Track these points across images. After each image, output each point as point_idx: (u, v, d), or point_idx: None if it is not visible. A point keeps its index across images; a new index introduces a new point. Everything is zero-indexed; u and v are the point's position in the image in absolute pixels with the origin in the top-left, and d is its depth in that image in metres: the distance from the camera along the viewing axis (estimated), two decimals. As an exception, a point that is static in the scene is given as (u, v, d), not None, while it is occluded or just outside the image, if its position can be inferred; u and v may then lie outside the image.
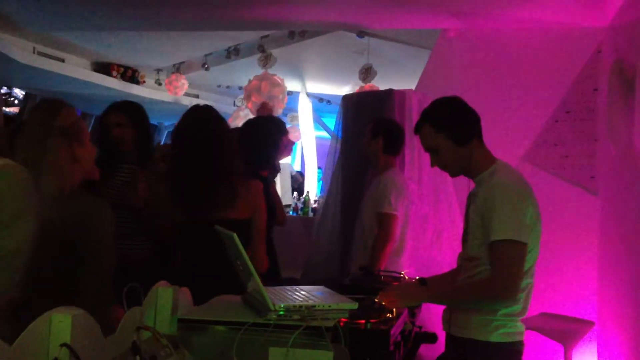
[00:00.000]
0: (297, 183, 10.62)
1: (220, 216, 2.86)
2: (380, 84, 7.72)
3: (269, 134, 4.20)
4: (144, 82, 10.44)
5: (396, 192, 4.05)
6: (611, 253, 4.37)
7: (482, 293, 2.46)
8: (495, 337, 2.44)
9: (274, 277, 3.73)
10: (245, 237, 2.90)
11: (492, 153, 2.60)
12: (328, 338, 1.84)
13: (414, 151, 4.58)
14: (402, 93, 4.81)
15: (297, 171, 11.79)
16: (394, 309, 2.39)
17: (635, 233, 3.80)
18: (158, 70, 10.19)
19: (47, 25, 7.20)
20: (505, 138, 4.50)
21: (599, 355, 4.45)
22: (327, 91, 11.05)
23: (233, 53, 8.54)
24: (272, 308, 1.95)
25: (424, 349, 2.86)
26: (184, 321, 1.97)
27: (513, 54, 4.98)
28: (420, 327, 2.85)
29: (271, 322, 1.91)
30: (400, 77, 7.83)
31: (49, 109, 2.37)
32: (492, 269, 2.39)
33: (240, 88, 10.43)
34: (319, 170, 10.23)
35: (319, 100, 11.59)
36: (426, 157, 2.79)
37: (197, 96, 11.26)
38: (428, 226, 4.59)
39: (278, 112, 8.20)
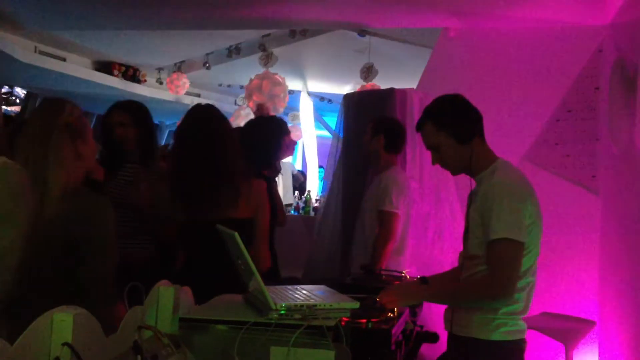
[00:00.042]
0: (299, 182, 10.62)
1: (221, 215, 2.85)
2: (382, 83, 7.72)
3: (270, 134, 4.20)
4: (145, 81, 10.45)
5: (397, 190, 4.04)
6: (612, 252, 4.37)
7: (479, 292, 2.46)
8: (496, 336, 2.44)
9: (273, 277, 3.73)
10: (248, 236, 2.90)
11: (493, 152, 2.60)
12: (329, 337, 1.84)
13: (416, 150, 4.58)
14: (403, 92, 4.80)
15: (299, 170, 11.79)
16: (395, 309, 2.39)
17: (636, 232, 3.80)
18: (159, 69, 10.20)
19: (48, 24, 7.21)
20: (506, 137, 4.49)
21: (600, 354, 4.45)
22: (328, 90, 11.05)
23: (234, 52, 8.55)
24: (274, 307, 1.95)
25: (425, 348, 2.86)
26: (185, 320, 1.97)
27: (514, 53, 4.98)
28: (421, 327, 2.84)
29: (272, 321, 1.91)
30: (401, 76, 7.82)
31: (53, 106, 2.37)
32: (489, 268, 2.40)
33: (241, 87, 10.44)
34: (321, 169, 10.23)
35: (320, 99, 11.59)
36: (427, 156, 2.78)
37: (198, 95, 11.27)
38: (429, 225, 4.59)
39: (279, 111, 8.20)
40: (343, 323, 2.01)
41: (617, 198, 4.28)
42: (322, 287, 2.37)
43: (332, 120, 9.50)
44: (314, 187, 10.21)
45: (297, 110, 11.22)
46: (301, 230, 6.51)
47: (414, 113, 4.58)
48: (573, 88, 4.78)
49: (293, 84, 9.80)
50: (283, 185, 7.88)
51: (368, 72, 7.91)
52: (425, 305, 3.05)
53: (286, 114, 11.08)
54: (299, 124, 11.20)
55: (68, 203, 2.24)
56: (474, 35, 5.14)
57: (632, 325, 3.81)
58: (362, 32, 7.00)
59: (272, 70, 8.29)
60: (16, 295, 2.00)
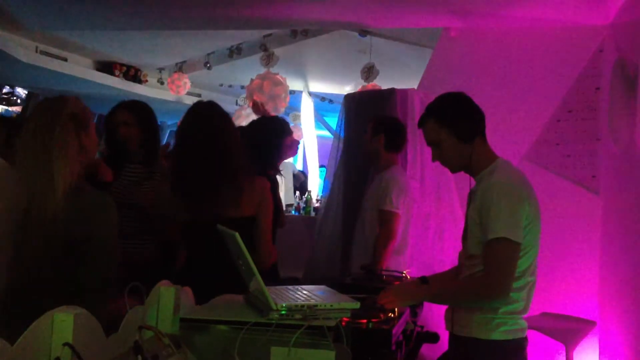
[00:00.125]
0: (299, 182, 10.62)
1: (222, 215, 2.84)
2: (383, 83, 7.72)
3: (273, 135, 4.20)
4: (147, 81, 10.44)
5: (398, 190, 4.04)
6: (612, 252, 4.37)
7: (475, 291, 2.46)
8: (496, 335, 2.44)
9: (274, 277, 3.72)
10: (250, 234, 2.89)
11: (494, 152, 2.60)
12: (330, 337, 1.84)
13: (416, 149, 4.58)
14: (404, 92, 4.81)
15: (299, 170, 11.79)
16: (396, 309, 2.39)
17: (636, 232, 3.80)
18: (160, 69, 10.20)
19: (49, 24, 7.21)
20: (507, 137, 4.50)
21: (601, 354, 4.44)
22: (329, 90, 11.05)
23: (235, 52, 8.54)
24: (274, 307, 1.95)
25: (425, 348, 2.87)
26: (186, 320, 1.97)
27: (515, 53, 4.98)
28: (422, 327, 2.85)
29: (273, 321, 1.91)
30: (402, 76, 7.84)
31: (56, 100, 2.35)
32: (486, 267, 2.40)
33: (242, 87, 10.43)
34: (322, 168, 10.23)
35: (321, 100, 11.59)
36: (428, 156, 2.78)
37: (199, 95, 11.25)
38: (430, 225, 4.60)
39: (280, 111, 8.19)
40: (343, 323, 2.01)
41: (618, 198, 4.28)
42: (323, 287, 2.37)
43: (333, 121, 9.51)
44: (315, 187, 10.21)
45: (298, 110, 11.23)
46: (302, 230, 6.51)
47: (415, 113, 4.58)
48: (574, 88, 4.78)
49: (294, 84, 9.79)
50: (284, 185, 7.89)
51: (369, 72, 7.91)
52: (426, 305, 3.05)
53: (287, 114, 11.07)
54: (300, 124, 11.21)
55: (70, 201, 2.22)
56: (474, 35, 5.14)
57: (632, 325, 3.81)
58: (363, 33, 6.99)
59: (273, 70, 8.28)
60: (10, 292, 2.00)
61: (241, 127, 4.25)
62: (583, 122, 4.76)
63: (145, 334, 1.63)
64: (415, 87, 5.24)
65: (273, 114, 7.06)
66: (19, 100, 10.90)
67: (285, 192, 8.41)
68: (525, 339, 2.53)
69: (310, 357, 1.82)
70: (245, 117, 9.66)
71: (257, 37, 8.09)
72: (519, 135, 4.80)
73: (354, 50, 7.90)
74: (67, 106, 2.29)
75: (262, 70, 8.29)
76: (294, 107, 11.22)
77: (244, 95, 9.67)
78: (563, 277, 4.58)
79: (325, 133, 11.53)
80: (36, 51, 8.55)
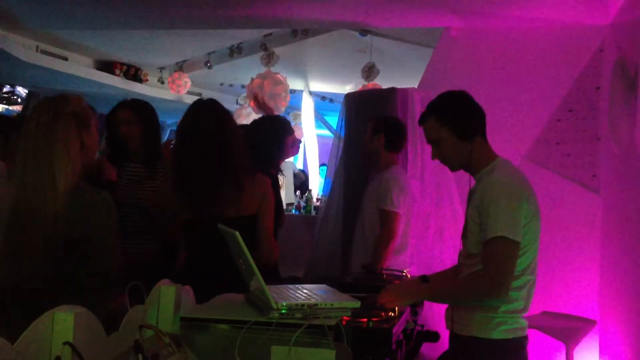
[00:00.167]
0: (300, 181, 10.62)
1: (223, 214, 2.84)
2: (383, 82, 7.73)
3: (274, 134, 4.20)
4: (147, 80, 10.45)
5: (398, 189, 4.04)
6: (613, 251, 4.37)
7: (474, 290, 2.47)
8: (497, 334, 2.45)
9: (274, 276, 3.72)
10: (251, 233, 2.88)
11: (494, 151, 2.60)
12: (330, 337, 1.84)
13: (417, 149, 4.58)
14: (404, 91, 4.81)
15: (300, 169, 11.80)
16: (396, 308, 2.39)
17: (636, 232, 3.80)
18: (161, 69, 10.20)
19: (50, 23, 7.21)
20: (507, 136, 4.50)
21: (601, 353, 4.45)
22: (329, 89, 11.05)
23: (236, 51, 8.54)
24: (275, 307, 1.95)
25: (425, 347, 2.87)
26: (186, 320, 1.97)
27: (515, 53, 4.98)
28: (422, 326, 2.85)
29: (273, 320, 1.91)
30: (402, 76, 7.83)
31: (58, 98, 2.34)
32: (484, 266, 2.40)
33: (243, 86, 10.44)
34: (323, 166, 10.23)
35: (322, 99, 11.59)
36: (428, 155, 2.78)
37: (199, 94, 11.24)
38: (430, 224, 4.60)
39: (281, 110, 8.19)
40: (344, 322, 2.01)
41: (618, 197, 4.28)
42: (323, 286, 2.37)
43: (334, 120, 9.51)
44: (315, 186, 10.21)
45: (299, 109, 11.23)
46: (302, 229, 6.50)
47: (415, 112, 4.58)
48: (574, 87, 4.78)
49: (294, 83, 9.79)
50: (285, 185, 7.89)
51: (369, 71, 7.91)
52: (426, 304, 3.05)
53: (287, 113, 11.07)
54: (301, 123, 11.21)
55: (70, 201, 2.21)
56: (475, 34, 5.14)
57: (633, 324, 3.81)
58: (364, 32, 6.99)
59: (273, 69, 8.28)
60: (10, 292, 2.00)
61: (243, 126, 4.24)
62: (583, 122, 4.76)
63: (145, 333, 1.63)
64: (416, 86, 5.24)
65: (273, 107, 7.07)
66: (19, 100, 10.89)
67: (286, 191, 8.41)
68: (525, 338, 2.53)
69: (310, 356, 1.82)
70: (245, 116, 9.67)
71: (257, 37, 8.09)
72: (519, 135, 4.80)
73: (354, 49, 7.90)
74: (69, 105, 2.29)
75: (263, 70, 8.29)
76: (295, 107, 11.22)
77: (245, 95, 9.67)
78: (563, 276, 4.58)
79: (326, 132, 11.53)
80: (37, 50, 8.55)
